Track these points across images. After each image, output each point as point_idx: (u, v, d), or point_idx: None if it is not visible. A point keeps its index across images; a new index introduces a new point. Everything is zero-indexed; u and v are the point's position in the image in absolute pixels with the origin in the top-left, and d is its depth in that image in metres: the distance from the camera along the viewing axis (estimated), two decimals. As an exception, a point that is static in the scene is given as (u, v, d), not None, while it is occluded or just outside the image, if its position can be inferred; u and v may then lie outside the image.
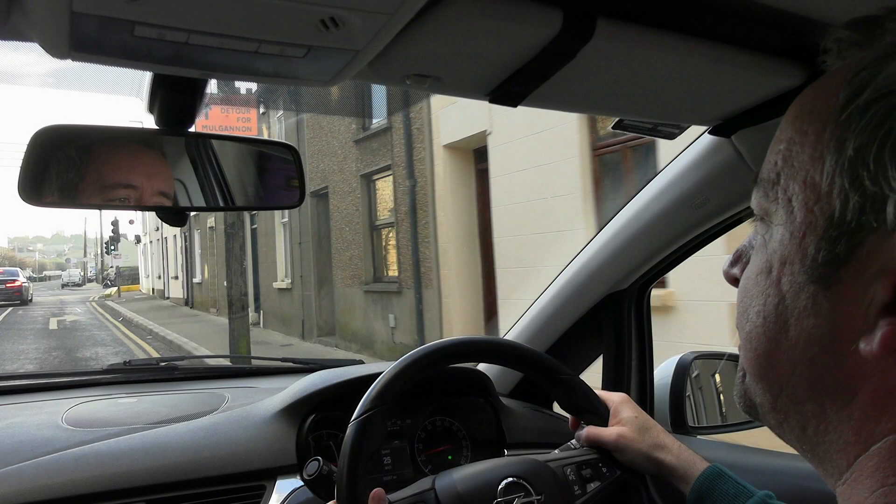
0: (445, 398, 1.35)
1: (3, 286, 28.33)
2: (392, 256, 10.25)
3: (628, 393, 1.40)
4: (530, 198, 6.77)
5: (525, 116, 6.33)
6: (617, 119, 1.07)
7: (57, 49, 0.64)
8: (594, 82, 0.87)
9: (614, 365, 1.49)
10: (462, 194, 8.53)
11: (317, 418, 1.25)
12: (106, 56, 0.66)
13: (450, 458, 1.31)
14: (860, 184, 0.37)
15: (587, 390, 1.09)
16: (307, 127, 12.89)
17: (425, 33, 0.68)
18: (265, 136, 13.03)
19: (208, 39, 0.63)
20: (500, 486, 0.96)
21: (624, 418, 1.05)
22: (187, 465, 1.15)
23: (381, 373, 0.98)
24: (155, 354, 10.84)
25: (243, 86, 9.68)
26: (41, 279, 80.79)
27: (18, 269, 35.25)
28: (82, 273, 66.48)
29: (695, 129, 1.13)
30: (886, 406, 0.38)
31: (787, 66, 0.87)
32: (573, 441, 1.10)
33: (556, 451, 1.09)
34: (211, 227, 18.68)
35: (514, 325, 1.58)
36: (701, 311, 4.76)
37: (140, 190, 0.85)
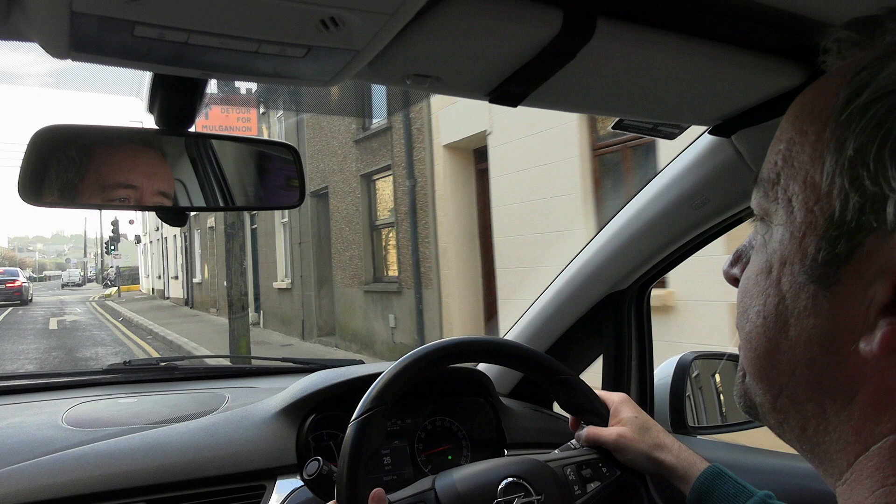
0: (445, 398, 1.35)
1: (3, 286, 28.33)
2: (392, 256, 10.25)
3: (628, 393, 1.40)
4: (530, 198, 6.77)
5: (525, 116, 6.33)
6: (617, 119, 1.07)
7: (57, 49, 0.64)
8: (594, 82, 0.87)
9: (614, 365, 1.49)
10: (462, 194, 8.53)
11: (317, 418, 1.25)
12: (106, 56, 0.66)
13: (450, 458, 1.31)
14: (860, 184, 0.37)
15: (587, 390, 1.09)
16: (307, 127, 12.89)
17: (425, 33, 0.68)
18: (265, 136, 13.03)
19: (208, 39, 0.63)
20: (500, 486, 0.96)
21: (624, 418, 1.05)
22: (187, 465, 1.15)
23: (381, 373, 0.98)
24: (155, 354, 10.84)
25: (243, 86, 9.69)
26: (41, 279, 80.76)
27: (18, 269, 35.23)
28: (82, 273, 66.46)
29: (695, 129, 1.13)
30: (886, 406, 0.38)
31: (787, 66, 0.87)
32: (573, 441, 1.09)
33: (556, 451, 1.09)
34: (211, 227, 18.68)
35: (514, 325, 1.58)
36: (701, 311, 4.76)
37: (140, 190, 0.85)
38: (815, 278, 0.39)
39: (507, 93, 0.84)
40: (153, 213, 0.93)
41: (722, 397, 1.49)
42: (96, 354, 11.49)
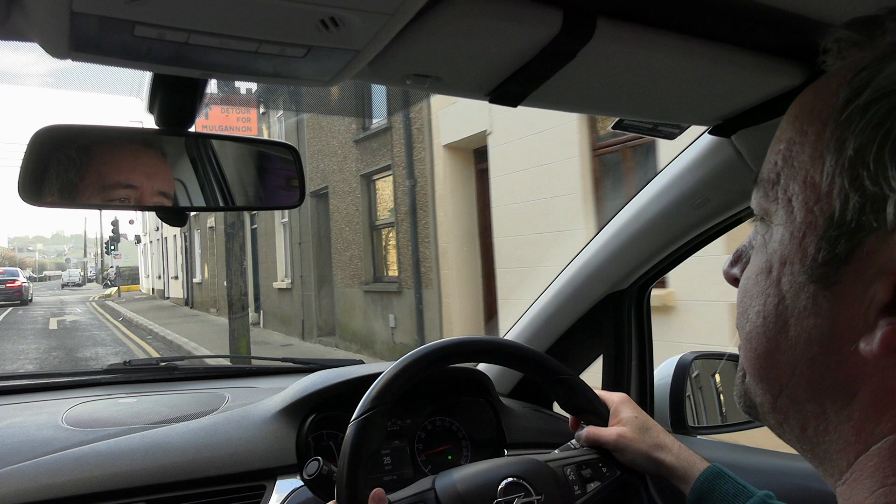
0: (445, 398, 1.35)
1: (3, 286, 28.32)
2: (392, 256, 10.25)
3: (628, 393, 1.40)
4: (530, 198, 6.77)
5: (525, 116, 6.33)
6: (617, 119, 1.07)
7: (57, 49, 0.64)
8: (594, 82, 0.87)
9: (614, 365, 1.49)
10: (462, 194, 8.53)
11: (317, 418, 1.25)
12: (106, 56, 0.66)
13: (450, 458, 1.31)
14: (860, 184, 0.37)
15: (587, 390, 1.09)
16: (307, 127, 12.89)
17: (425, 33, 0.68)
18: (265, 136, 13.03)
19: (208, 39, 0.63)
20: (500, 486, 0.96)
21: (624, 418, 1.05)
22: (187, 465, 1.15)
23: (381, 373, 0.98)
24: (155, 354, 10.84)
25: (243, 86, 9.69)
26: (41, 279, 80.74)
27: (18, 269, 35.21)
28: (82, 273, 66.43)
29: (695, 129, 1.13)
30: (886, 406, 0.38)
31: (787, 66, 0.87)
32: (573, 441, 1.10)
33: (556, 451, 1.09)
34: (211, 227, 18.68)
35: (514, 325, 1.58)
36: (701, 311, 4.76)
37: (140, 190, 0.85)
38: (815, 278, 0.39)
39: (507, 93, 0.84)
40: (153, 213, 0.93)
41: (722, 397, 1.49)
42: (96, 354, 11.48)
